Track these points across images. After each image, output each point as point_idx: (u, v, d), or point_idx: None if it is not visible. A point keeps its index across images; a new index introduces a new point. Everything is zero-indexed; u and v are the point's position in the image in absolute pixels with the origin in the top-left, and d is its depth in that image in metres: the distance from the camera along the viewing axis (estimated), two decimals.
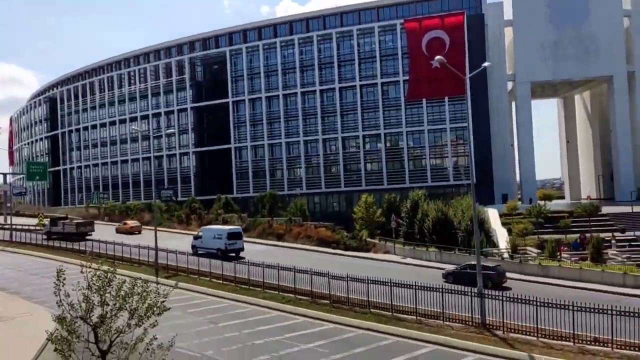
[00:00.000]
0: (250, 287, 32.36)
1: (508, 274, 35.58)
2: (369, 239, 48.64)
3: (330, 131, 75.09)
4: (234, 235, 43.48)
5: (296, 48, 76.79)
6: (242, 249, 43.17)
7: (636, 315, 20.02)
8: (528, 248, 43.73)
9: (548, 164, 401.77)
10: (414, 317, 25.24)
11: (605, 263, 36.61)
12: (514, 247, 42.39)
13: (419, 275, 34.63)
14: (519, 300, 22.57)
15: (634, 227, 46.60)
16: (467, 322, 23.91)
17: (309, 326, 25.17)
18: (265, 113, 78.67)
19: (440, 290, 24.75)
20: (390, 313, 25.91)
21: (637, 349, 19.83)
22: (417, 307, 25.34)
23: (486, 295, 23.76)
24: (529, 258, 40.61)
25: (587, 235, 46.39)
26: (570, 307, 21.24)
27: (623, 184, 70.20)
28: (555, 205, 59.72)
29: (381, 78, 71.70)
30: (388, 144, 73.02)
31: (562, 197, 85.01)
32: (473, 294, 24.05)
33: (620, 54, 69.24)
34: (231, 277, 33.89)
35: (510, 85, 73.43)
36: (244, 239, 46.63)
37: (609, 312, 20.43)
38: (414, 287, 25.62)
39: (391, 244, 45.27)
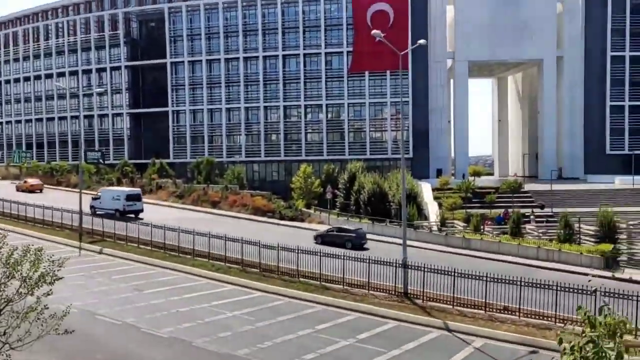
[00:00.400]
0: (180, 255, 31.99)
1: (434, 246, 37.27)
2: (304, 209, 49.10)
3: (272, 99, 74.13)
4: (132, 197, 44.63)
5: (239, 11, 74.51)
6: (141, 210, 44.08)
7: (541, 286, 21.57)
8: (456, 221, 45.66)
9: (483, 141, 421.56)
10: (341, 286, 25.97)
11: (523, 237, 38.96)
12: (443, 221, 44.16)
13: None
14: (439, 271, 23.70)
15: (552, 204, 49.64)
16: (391, 292, 24.89)
17: (237, 294, 25.34)
18: (205, 77, 76.39)
19: (367, 260, 25.51)
20: (318, 282, 26.48)
21: (541, 317, 21.45)
22: (345, 276, 26.07)
23: (410, 267, 24.76)
24: (456, 231, 42.54)
25: (510, 210, 49.24)
26: (484, 278, 22.58)
27: (546, 163, 74.30)
28: (484, 181, 62.52)
29: (325, 48, 71.18)
30: (329, 115, 73.16)
31: (492, 174, 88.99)
32: (398, 264, 24.99)
33: (551, 38, 72.13)
34: (160, 243, 33.30)
35: (450, 62, 75.02)
36: (177, 205, 45.88)
37: (518, 282, 21.90)
38: (342, 257, 26.26)
39: (326, 214, 45.95)
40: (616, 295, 18.92)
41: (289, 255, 27.93)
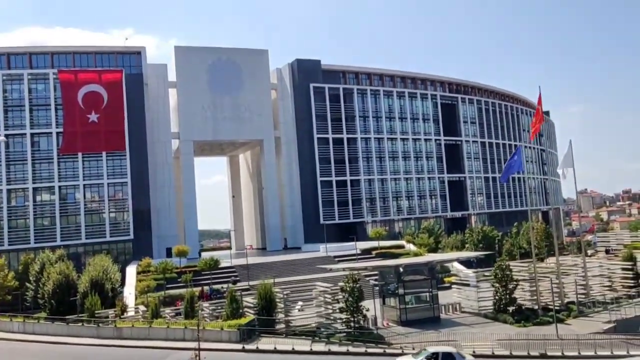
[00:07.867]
0: None
1: (79, 340, 35.18)
2: None
3: None
4: None
5: None
6: None
7: None
8: (140, 307, 44.57)
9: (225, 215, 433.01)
10: None
11: (195, 317, 39.55)
12: (124, 308, 42.58)
13: None
14: None
15: (248, 278, 52.27)
16: None
17: None
18: None
19: None
20: None
21: None
22: None
23: None
24: (136, 317, 41.30)
25: (207, 288, 50.61)
26: None
27: (272, 235, 79.69)
28: (193, 260, 62.85)
29: (31, 129, 66.31)
30: (38, 199, 67.17)
31: (230, 248, 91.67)
32: None
33: (268, 120, 79.69)
34: None
35: (176, 142, 76.69)
36: None
37: None
38: None
39: None
40: None
41: None
